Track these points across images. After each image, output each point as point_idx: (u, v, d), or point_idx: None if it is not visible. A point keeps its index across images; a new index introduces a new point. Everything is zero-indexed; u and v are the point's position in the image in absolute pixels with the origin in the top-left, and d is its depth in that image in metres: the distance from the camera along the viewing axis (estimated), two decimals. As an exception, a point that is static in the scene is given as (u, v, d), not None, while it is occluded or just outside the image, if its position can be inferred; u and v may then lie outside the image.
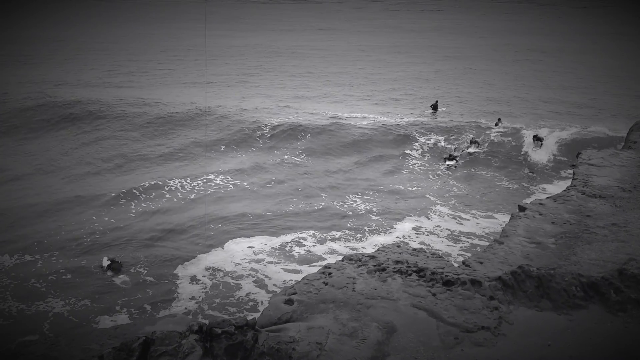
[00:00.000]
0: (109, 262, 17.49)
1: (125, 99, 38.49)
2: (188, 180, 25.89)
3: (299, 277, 16.94)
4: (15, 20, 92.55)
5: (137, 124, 33.37)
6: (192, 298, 16.00)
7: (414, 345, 8.58)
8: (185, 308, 15.07)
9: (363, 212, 23.10)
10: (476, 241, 20.27)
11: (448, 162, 28.00)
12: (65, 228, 20.98)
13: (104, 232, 20.71)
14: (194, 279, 17.10)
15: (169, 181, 25.76)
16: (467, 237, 20.61)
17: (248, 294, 16.18)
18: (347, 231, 21.09)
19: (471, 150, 29.00)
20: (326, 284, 9.86)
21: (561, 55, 60.53)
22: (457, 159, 28.09)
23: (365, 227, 21.40)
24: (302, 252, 19.24)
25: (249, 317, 11.47)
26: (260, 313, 10.08)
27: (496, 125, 31.92)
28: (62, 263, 18.03)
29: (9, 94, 39.20)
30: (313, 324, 8.79)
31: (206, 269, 17.63)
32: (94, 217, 22.06)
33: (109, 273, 17.16)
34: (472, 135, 30.55)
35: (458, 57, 60.89)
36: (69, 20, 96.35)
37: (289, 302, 9.41)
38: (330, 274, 10.22)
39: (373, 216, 22.67)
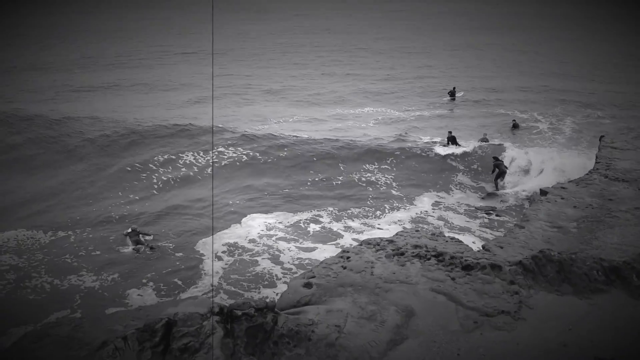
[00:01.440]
0: (129, 230, 17.99)
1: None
2: (201, 154, 25.91)
3: (315, 254, 17.05)
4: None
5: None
6: (216, 273, 16.20)
7: (432, 328, 8.60)
8: (211, 284, 15.32)
9: (384, 187, 23.04)
10: (494, 217, 20.16)
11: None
12: (95, 204, 21.53)
13: (131, 208, 21.09)
14: (215, 256, 17.30)
15: (181, 155, 25.86)
16: (486, 213, 20.47)
17: (264, 270, 16.30)
18: (366, 208, 21.06)
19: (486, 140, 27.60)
20: (345, 268, 9.87)
21: (586, 43, 58.66)
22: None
23: (385, 204, 21.35)
24: (319, 228, 19.28)
25: (268, 298, 11.66)
26: (279, 295, 10.17)
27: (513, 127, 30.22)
28: (92, 238, 18.46)
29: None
30: (332, 307, 8.84)
31: (223, 245, 17.80)
32: (120, 193, 22.47)
33: (130, 244, 17.51)
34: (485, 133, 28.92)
35: (476, 42, 59.76)
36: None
37: (308, 285, 9.46)
38: (348, 257, 10.23)
39: (393, 191, 22.63)
